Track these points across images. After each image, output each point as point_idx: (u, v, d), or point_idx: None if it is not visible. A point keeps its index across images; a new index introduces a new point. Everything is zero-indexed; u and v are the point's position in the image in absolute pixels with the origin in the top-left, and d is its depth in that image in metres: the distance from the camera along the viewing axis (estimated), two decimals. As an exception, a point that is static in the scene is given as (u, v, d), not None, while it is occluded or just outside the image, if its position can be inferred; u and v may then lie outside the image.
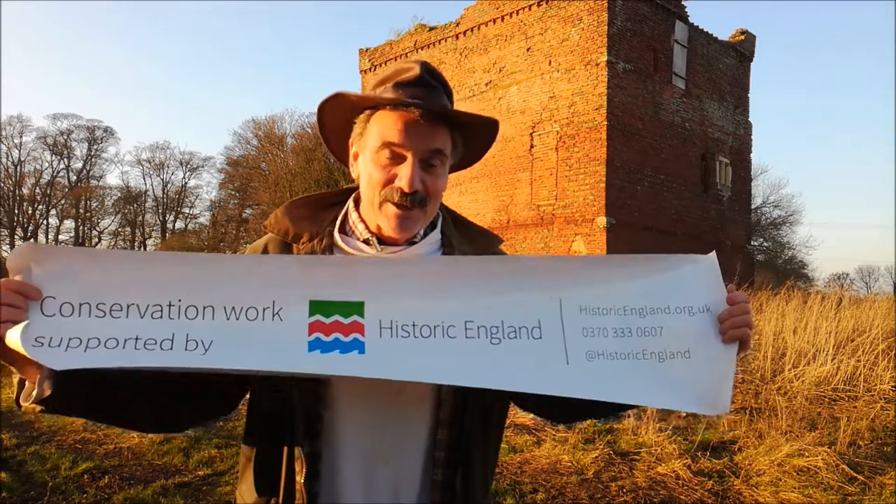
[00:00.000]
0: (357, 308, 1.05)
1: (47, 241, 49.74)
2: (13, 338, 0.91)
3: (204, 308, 1.00)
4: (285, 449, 1.12)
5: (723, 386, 1.11)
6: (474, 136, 1.23)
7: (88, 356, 0.93)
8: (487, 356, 1.05)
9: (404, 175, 1.11)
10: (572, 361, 1.08)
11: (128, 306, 0.98)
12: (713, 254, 1.21)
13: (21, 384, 1.00)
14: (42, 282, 0.97)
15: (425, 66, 1.17)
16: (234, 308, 1.01)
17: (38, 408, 0.96)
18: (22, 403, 0.99)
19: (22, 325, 0.91)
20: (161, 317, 0.99)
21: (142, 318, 0.98)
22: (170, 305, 1.00)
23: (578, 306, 1.12)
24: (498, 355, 1.06)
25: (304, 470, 1.10)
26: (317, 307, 1.04)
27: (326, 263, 1.12)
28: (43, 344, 0.92)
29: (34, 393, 0.95)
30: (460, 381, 1.04)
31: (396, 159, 1.13)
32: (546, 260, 1.21)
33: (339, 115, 1.21)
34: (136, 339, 0.96)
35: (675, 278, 1.18)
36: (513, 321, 1.09)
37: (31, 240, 46.24)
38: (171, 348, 0.96)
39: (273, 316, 1.02)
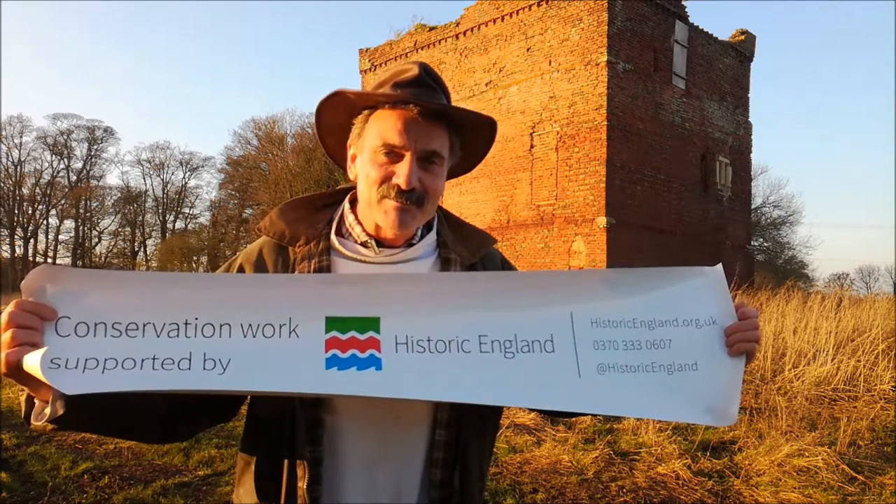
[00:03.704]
0: (373, 324, 1.05)
1: (47, 242, 49.87)
2: (31, 362, 0.89)
3: (221, 326, 1.00)
4: (286, 454, 1.11)
5: (731, 397, 1.13)
6: (472, 139, 1.23)
7: (106, 378, 0.92)
8: (502, 371, 1.06)
9: (402, 173, 1.11)
10: (584, 374, 1.09)
11: (143, 325, 0.97)
12: (719, 266, 1.22)
13: (29, 402, 0.98)
14: (56, 302, 0.95)
15: (424, 68, 1.17)
16: (250, 325, 1.01)
17: (51, 426, 0.95)
18: (33, 422, 0.97)
19: (41, 351, 0.89)
20: (178, 335, 0.98)
21: (158, 337, 0.97)
22: (186, 324, 0.99)
23: (590, 319, 1.14)
24: (512, 370, 1.07)
25: (306, 475, 1.09)
26: (333, 323, 1.03)
27: (342, 282, 1.12)
28: (59, 366, 0.90)
29: (47, 411, 0.93)
30: (478, 399, 1.05)
31: (394, 158, 1.13)
32: (557, 275, 1.23)
33: (337, 117, 1.20)
34: (154, 358, 0.95)
35: (682, 291, 1.19)
36: (526, 335, 1.10)
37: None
38: (189, 368, 0.95)
39: (290, 333, 1.01)
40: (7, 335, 0.90)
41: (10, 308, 0.92)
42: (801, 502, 4.30)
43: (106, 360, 0.93)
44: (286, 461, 1.12)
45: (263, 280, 1.12)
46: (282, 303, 1.04)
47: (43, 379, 0.88)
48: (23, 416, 1.00)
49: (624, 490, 4.49)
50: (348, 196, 1.27)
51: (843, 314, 10.06)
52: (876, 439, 5.79)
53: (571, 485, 4.59)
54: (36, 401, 0.97)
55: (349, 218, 1.22)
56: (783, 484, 4.54)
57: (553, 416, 1.49)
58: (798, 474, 4.66)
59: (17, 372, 0.90)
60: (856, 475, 4.69)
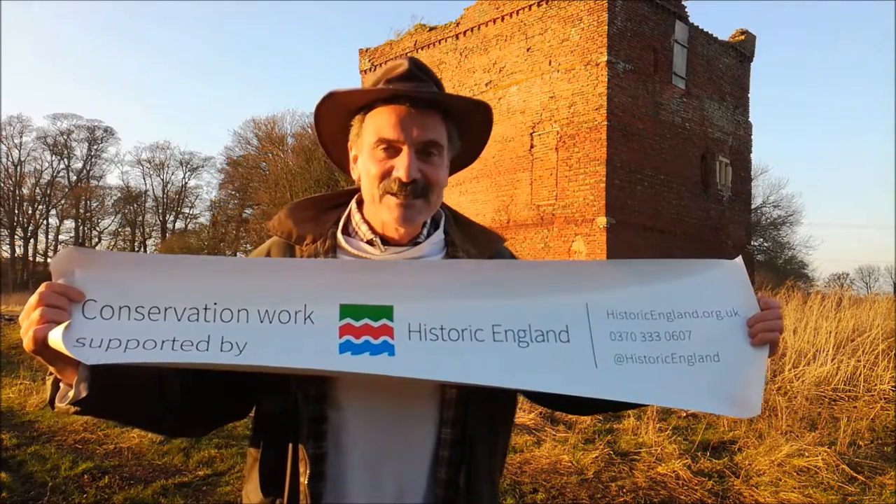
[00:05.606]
0: (386, 312, 1.06)
1: (47, 241, 49.90)
2: (55, 337, 0.93)
3: (238, 311, 1.03)
4: (290, 450, 1.12)
5: (754, 388, 1.12)
6: (469, 127, 1.24)
7: (128, 355, 0.96)
8: (516, 359, 1.06)
9: (401, 165, 1.12)
10: (601, 365, 1.09)
11: (165, 309, 1.02)
12: (739, 258, 1.22)
13: (55, 385, 1.02)
14: (84, 285, 1.00)
15: (413, 61, 1.18)
16: (267, 311, 1.04)
17: (74, 409, 0.98)
18: (57, 404, 1.01)
19: (64, 325, 0.94)
20: (197, 319, 1.02)
21: (178, 320, 1.01)
22: (205, 309, 1.03)
23: (605, 311, 1.13)
24: (526, 358, 1.06)
25: (308, 471, 1.10)
26: (347, 311, 1.06)
27: (357, 268, 1.14)
28: (84, 345, 0.95)
29: (71, 394, 0.96)
30: (491, 381, 1.05)
31: (393, 152, 1.14)
32: (571, 264, 1.22)
33: (335, 121, 1.22)
34: (174, 340, 0.99)
35: (702, 283, 1.18)
36: (540, 325, 1.10)
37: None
38: (207, 349, 0.99)
39: (305, 319, 1.04)
40: (36, 313, 0.94)
41: (41, 289, 0.97)
42: (801, 502, 4.30)
43: (128, 340, 0.98)
44: (290, 457, 1.12)
45: (280, 264, 1.15)
46: (297, 290, 1.07)
47: (66, 352, 0.92)
48: (48, 399, 1.04)
49: (624, 490, 4.49)
50: (356, 196, 1.28)
51: (842, 314, 10.05)
52: (876, 439, 5.79)
53: (571, 485, 4.59)
54: (61, 384, 1.01)
55: (356, 217, 1.23)
56: (783, 484, 4.54)
57: (566, 411, 1.45)
58: (798, 474, 4.66)
59: (43, 349, 0.95)
60: (856, 475, 4.69)
